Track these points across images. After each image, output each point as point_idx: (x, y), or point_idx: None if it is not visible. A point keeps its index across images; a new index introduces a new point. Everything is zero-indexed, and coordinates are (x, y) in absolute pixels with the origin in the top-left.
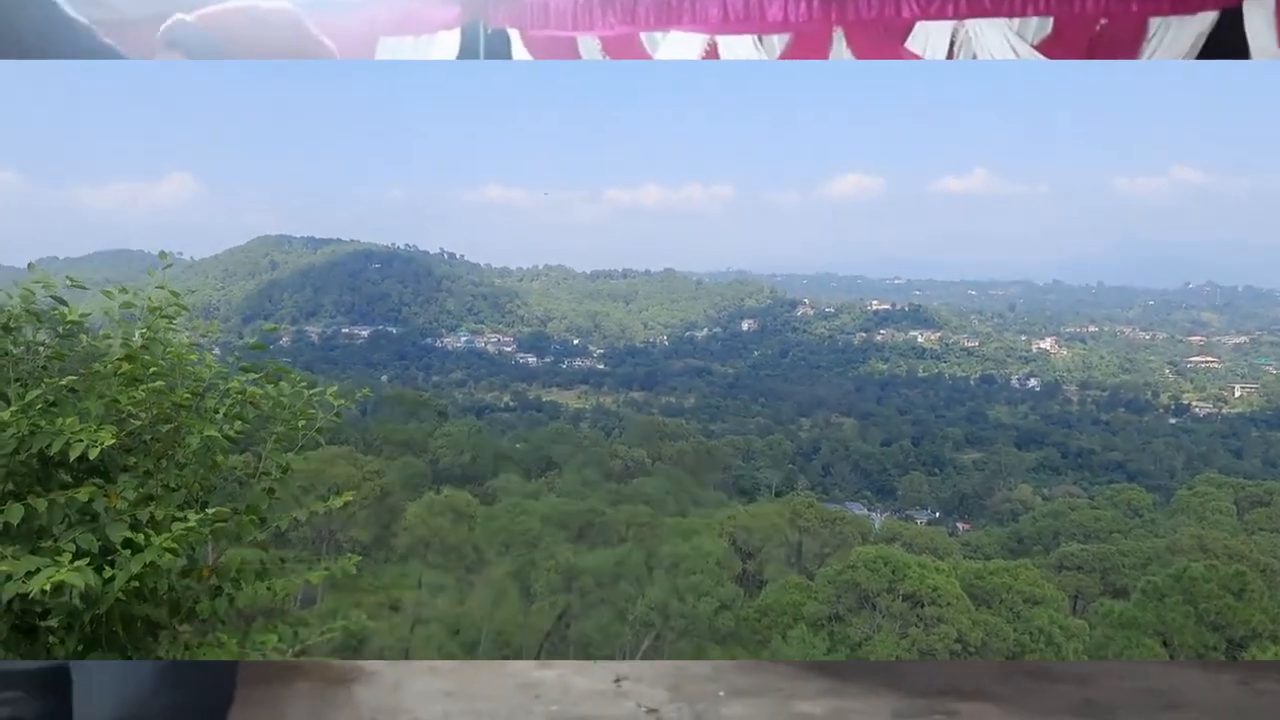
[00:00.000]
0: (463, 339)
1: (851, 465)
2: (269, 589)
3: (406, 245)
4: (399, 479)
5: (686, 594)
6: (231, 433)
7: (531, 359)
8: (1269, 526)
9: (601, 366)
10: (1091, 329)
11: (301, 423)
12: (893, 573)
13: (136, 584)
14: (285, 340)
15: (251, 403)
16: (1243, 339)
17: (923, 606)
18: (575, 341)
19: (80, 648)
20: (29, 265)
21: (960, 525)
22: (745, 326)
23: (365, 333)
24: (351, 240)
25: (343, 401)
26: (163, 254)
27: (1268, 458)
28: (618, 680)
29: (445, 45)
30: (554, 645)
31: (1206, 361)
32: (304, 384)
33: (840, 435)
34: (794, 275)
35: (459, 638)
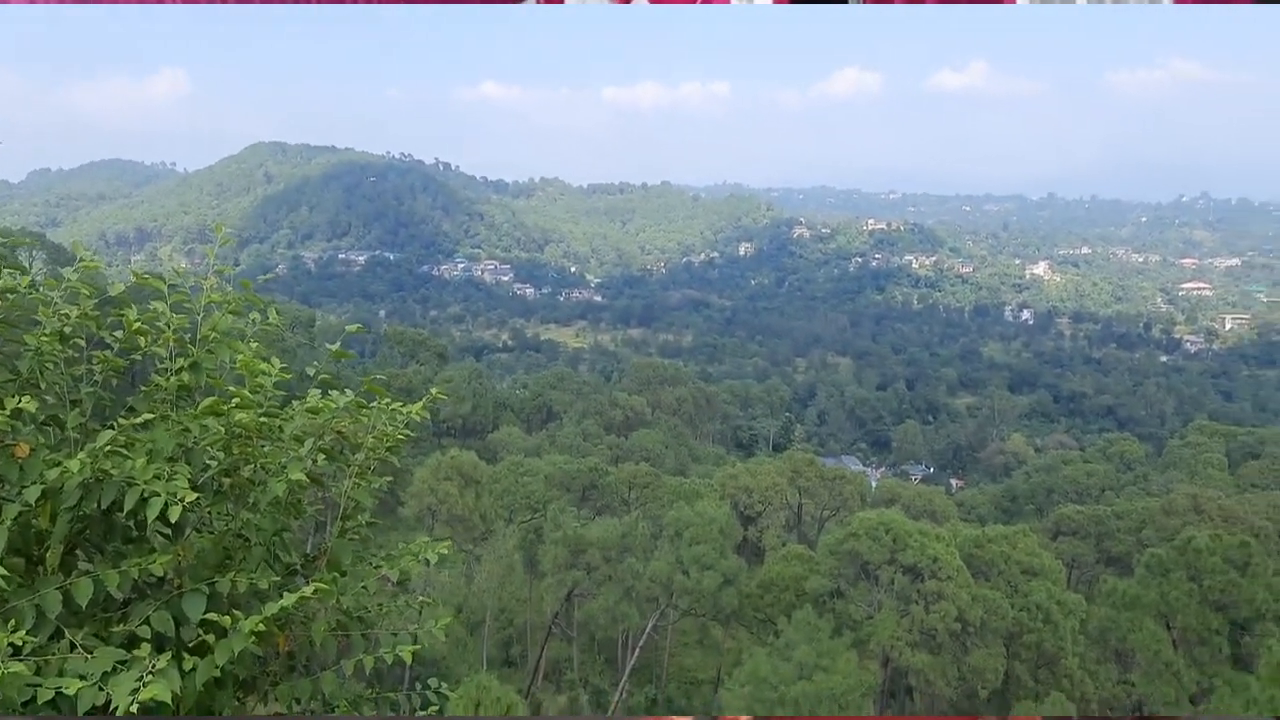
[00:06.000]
0: (460, 265)
1: (847, 412)
2: (348, 637)
3: (402, 155)
4: None
5: (691, 566)
6: (315, 471)
7: (529, 290)
8: (1261, 482)
9: (599, 299)
10: (1084, 251)
11: (386, 448)
12: (894, 541)
13: (216, 673)
14: (282, 268)
15: (339, 433)
16: (1234, 261)
17: (923, 580)
18: (573, 269)
19: None
20: (76, 248)
21: (954, 482)
22: (742, 250)
23: (362, 259)
24: (347, 148)
25: (425, 416)
26: (217, 226)
27: (1258, 399)
28: None
29: None
30: (560, 629)
31: (1198, 289)
32: (389, 399)
33: (836, 378)
34: (791, 189)
35: (463, 616)
